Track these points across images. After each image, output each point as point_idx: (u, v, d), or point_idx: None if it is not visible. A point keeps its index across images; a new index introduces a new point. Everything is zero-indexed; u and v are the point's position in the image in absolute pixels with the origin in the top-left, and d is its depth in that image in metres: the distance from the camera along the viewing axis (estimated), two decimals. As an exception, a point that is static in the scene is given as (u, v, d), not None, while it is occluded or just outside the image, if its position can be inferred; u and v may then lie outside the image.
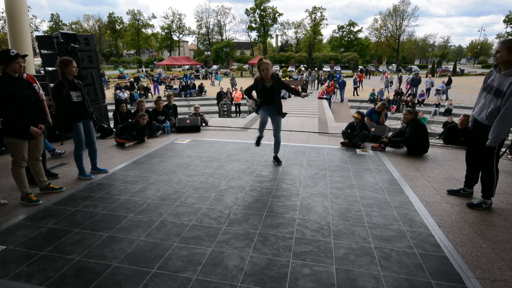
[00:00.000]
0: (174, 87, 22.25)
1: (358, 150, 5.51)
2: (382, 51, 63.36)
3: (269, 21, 64.52)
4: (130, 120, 6.64)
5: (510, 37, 2.98)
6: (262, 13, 63.60)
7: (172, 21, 63.73)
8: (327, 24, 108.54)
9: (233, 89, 18.29)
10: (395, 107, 16.19)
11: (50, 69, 6.11)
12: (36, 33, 47.34)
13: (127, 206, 3.24)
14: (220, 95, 15.85)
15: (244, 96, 16.41)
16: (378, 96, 17.13)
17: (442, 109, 15.22)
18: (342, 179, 4.05)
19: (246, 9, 66.89)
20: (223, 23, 66.97)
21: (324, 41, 68.39)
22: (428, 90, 18.64)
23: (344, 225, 2.86)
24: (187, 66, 45.33)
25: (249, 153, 5.25)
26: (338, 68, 42.32)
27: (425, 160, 5.03)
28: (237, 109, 16.39)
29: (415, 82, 19.18)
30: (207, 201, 3.36)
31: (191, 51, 72.03)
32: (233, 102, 16.18)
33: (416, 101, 16.59)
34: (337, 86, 18.71)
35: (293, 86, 4.66)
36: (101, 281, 2.10)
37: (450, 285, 2.10)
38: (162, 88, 22.70)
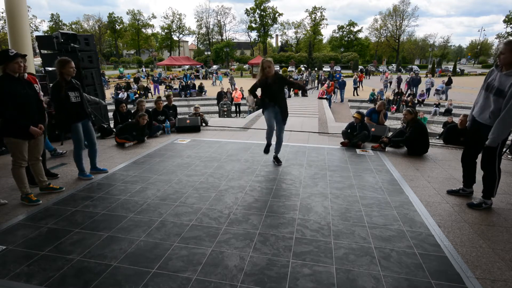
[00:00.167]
0: (174, 87, 22.26)
1: (358, 150, 5.51)
2: (382, 51, 63.35)
3: (269, 21, 64.53)
4: (130, 120, 6.64)
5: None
6: (262, 13, 63.60)
7: (172, 21, 63.76)
8: (327, 24, 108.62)
9: (233, 89, 18.28)
10: (395, 107, 16.19)
11: (50, 69, 6.12)
12: (36, 33, 47.35)
13: (127, 206, 3.24)
14: (220, 95, 15.86)
15: (245, 97, 16.49)
16: (378, 96, 17.12)
17: (442, 109, 15.21)
18: (342, 179, 4.05)
19: (246, 9, 67.00)
20: (223, 23, 67.03)
21: (324, 41, 68.42)
22: (428, 90, 18.64)
23: (344, 225, 2.86)
24: (187, 66, 45.35)
25: (249, 153, 5.25)
26: (338, 68, 42.32)
27: (425, 160, 5.03)
28: (237, 109, 16.39)
29: (415, 82, 19.19)
30: (207, 201, 3.36)
31: (191, 51, 72.04)
32: (233, 102, 16.19)
33: (416, 101, 16.58)
34: (337, 86, 18.71)
35: (295, 81, 4.66)
36: (101, 281, 2.10)
37: (450, 285, 2.10)
38: (162, 88, 22.70)
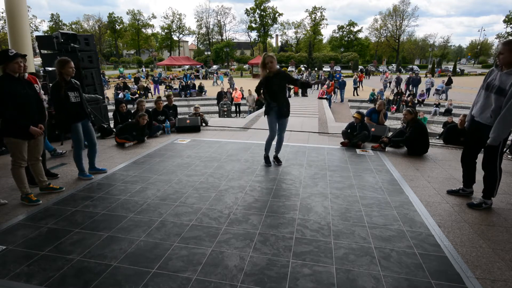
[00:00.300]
0: (174, 87, 22.26)
1: (358, 150, 5.51)
2: (382, 51, 63.35)
3: (269, 21, 64.51)
4: (130, 120, 6.64)
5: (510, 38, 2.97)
6: (262, 13, 63.58)
7: (172, 21, 63.75)
8: (327, 24, 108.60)
9: (233, 89, 18.29)
10: (395, 107, 16.20)
11: (50, 69, 6.11)
12: (36, 33, 47.35)
13: (127, 206, 3.24)
14: (220, 95, 15.86)
15: (245, 96, 16.49)
16: (378, 96, 17.13)
17: (442, 109, 15.22)
18: (342, 179, 4.05)
19: (246, 9, 66.92)
20: (223, 23, 67.02)
21: (324, 41, 68.41)
22: (428, 90, 18.65)
23: (344, 225, 2.86)
24: (187, 66, 45.35)
25: (249, 153, 5.25)
26: (338, 68, 42.32)
27: (425, 160, 5.03)
28: (237, 109, 16.40)
29: (415, 82, 19.20)
30: (207, 201, 3.36)
31: (191, 51, 72.04)
32: (233, 102, 16.20)
33: (416, 101, 16.59)
34: (337, 86, 18.71)
35: (298, 80, 4.63)
36: (101, 281, 2.10)
37: (450, 285, 2.10)
38: (162, 88, 22.70)
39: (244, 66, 50.12)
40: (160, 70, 40.54)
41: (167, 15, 72.71)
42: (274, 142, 4.60)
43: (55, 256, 2.38)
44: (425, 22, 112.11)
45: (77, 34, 6.29)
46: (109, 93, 18.72)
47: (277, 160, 4.68)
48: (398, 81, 20.80)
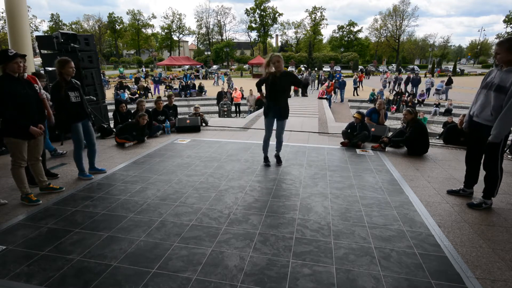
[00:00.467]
0: (174, 87, 22.25)
1: (358, 150, 5.51)
2: (382, 51, 63.36)
3: (269, 21, 64.54)
4: (130, 120, 6.64)
5: (505, 37, 3.03)
6: (262, 13, 63.62)
7: (172, 21, 63.76)
8: (327, 24, 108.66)
9: (233, 89, 18.29)
10: (395, 107, 16.20)
11: (50, 69, 6.11)
12: (36, 33, 47.37)
13: (127, 206, 3.24)
14: (220, 95, 15.86)
15: (245, 96, 16.48)
16: (378, 96, 17.13)
17: (442, 109, 15.22)
18: (342, 179, 4.05)
19: (246, 9, 66.97)
20: (223, 23, 67.06)
21: (324, 41, 68.44)
22: (428, 90, 18.65)
23: (344, 225, 2.86)
24: (187, 66, 45.34)
25: (249, 153, 5.25)
26: (338, 68, 42.34)
27: (425, 160, 5.03)
28: (237, 109, 16.40)
29: (415, 82, 19.20)
30: (207, 201, 3.36)
31: (191, 51, 72.04)
32: (233, 102, 16.19)
33: (416, 101, 16.59)
34: (337, 86, 18.71)
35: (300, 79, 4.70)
36: (101, 281, 2.10)
37: (450, 285, 2.10)
38: (162, 88, 22.70)
39: (244, 66, 50.10)
40: (160, 70, 40.52)
41: (167, 15, 72.86)
42: (273, 142, 4.61)
43: (55, 256, 2.38)
44: (425, 22, 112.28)
45: (77, 34, 6.28)
46: (109, 93, 18.70)
47: (278, 159, 4.67)
48: (396, 81, 20.82)
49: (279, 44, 70.11)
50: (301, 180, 4.02)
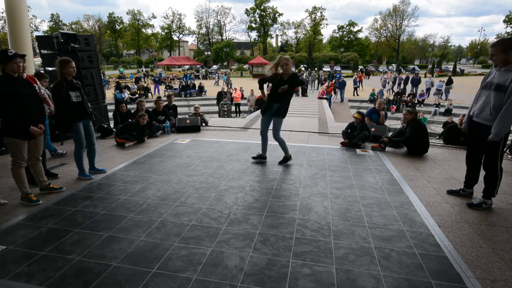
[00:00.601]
0: (174, 87, 22.25)
1: (358, 150, 5.51)
2: (382, 51, 63.35)
3: (269, 21, 64.52)
4: (130, 120, 6.64)
5: (498, 39, 3.07)
6: (262, 13, 63.60)
7: (172, 21, 63.74)
8: (327, 24, 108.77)
9: (233, 89, 18.30)
10: (395, 107, 16.20)
11: (50, 69, 6.11)
12: (36, 33, 47.34)
13: (127, 206, 3.24)
14: (220, 95, 15.86)
15: (245, 96, 16.47)
16: (378, 96, 17.13)
17: (442, 109, 15.22)
18: (342, 179, 4.05)
19: (246, 9, 66.96)
20: (223, 23, 67.04)
21: (324, 41, 68.42)
22: (428, 90, 18.65)
23: (344, 225, 2.86)
24: (187, 66, 45.34)
25: (249, 153, 5.25)
26: (338, 68, 42.34)
27: (425, 160, 5.03)
28: (237, 109, 16.40)
29: (415, 82, 19.20)
30: (207, 201, 3.36)
31: (191, 51, 72.02)
32: (233, 102, 16.19)
33: (416, 101, 16.59)
34: (337, 86, 18.71)
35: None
36: (101, 281, 2.10)
37: (450, 285, 2.10)
38: (162, 88, 22.70)
39: (244, 66, 50.10)
40: (160, 70, 40.52)
41: (167, 15, 72.84)
42: (271, 143, 4.62)
43: (55, 256, 2.38)
44: (425, 22, 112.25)
45: (77, 34, 6.29)
46: (109, 93, 18.70)
47: (285, 160, 4.67)
48: (395, 81, 20.83)
49: (279, 44, 70.12)
50: (301, 180, 4.02)
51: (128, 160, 4.86)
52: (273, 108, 4.36)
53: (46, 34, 33.04)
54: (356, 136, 5.74)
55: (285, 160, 4.67)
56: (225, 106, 15.09)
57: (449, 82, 18.53)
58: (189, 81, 22.94)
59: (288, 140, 6.08)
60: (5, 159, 4.61)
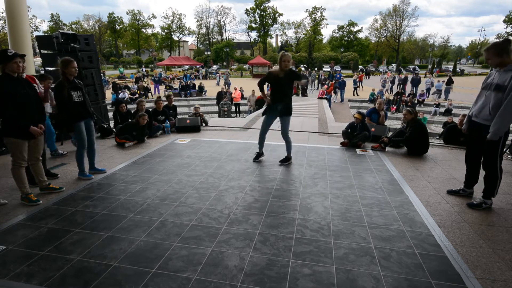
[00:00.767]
0: (174, 87, 22.26)
1: (358, 150, 5.51)
2: (382, 51, 63.35)
3: (269, 21, 64.51)
4: (130, 120, 6.64)
5: (491, 43, 3.12)
6: (262, 13, 63.59)
7: (172, 21, 63.73)
8: (327, 24, 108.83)
9: (233, 89, 18.30)
10: (395, 107, 16.20)
11: (50, 69, 6.11)
12: (36, 33, 47.35)
13: (127, 206, 3.24)
14: (220, 95, 15.87)
15: (245, 96, 16.46)
16: (378, 96, 17.14)
17: (442, 109, 15.23)
18: (342, 179, 4.05)
19: (246, 9, 66.96)
20: (223, 23, 67.04)
21: (324, 41, 68.43)
22: (428, 90, 18.65)
23: (344, 225, 2.86)
24: (187, 66, 45.34)
25: (249, 153, 5.25)
26: (338, 68, 42.33)
27: (425, 160, 5.03)
28: (237, 109, 16.39)
29: (415, 82, 19.20)
30: (207, 201, 3.36)
31: (191, 51, 72.02)
32: (233, 102, 16.19)
33: (416, 101, 16.59)
34: (337, 86, 18.71)
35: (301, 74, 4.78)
36: (101, 281, 2.10)
37: (450, 285, 2.10)
38: (162, 88, 22.69)
39: (244, 66, 50.09)
40: (160, 70, 40.52)
41: (167, 15, 72.88)
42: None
43: (55, 256, 2.37)
44: (425, 22, 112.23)
45: (77, 34, 6.29)
46: (109, 93, 18.70)
47: (285, 160, 4.68)
48: (394, 81, 20.82)
49: (279, 44, 70.08)
50: (301, 180, 4.02)
51: (128, 160, 4.86)
52: (275, 108, 4.38)
53: (46, 34, 33.05)
54: (356, 136, 5.74)
55: (286, 160, 4.67)
56: (225, 106, 15.09)
57: (449, 82, 18.52)
58: (189, 81, 22.95)
59: (288, 140, 6.08)
60: (5, 159, 4.61)
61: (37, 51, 8.84)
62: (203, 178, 4.05)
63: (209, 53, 63.75)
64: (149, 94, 20.07)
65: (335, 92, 18.55)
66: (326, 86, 17.57)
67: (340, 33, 64.90)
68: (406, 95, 17.20)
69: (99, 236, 2.66)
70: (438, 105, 15.45)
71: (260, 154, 4.82)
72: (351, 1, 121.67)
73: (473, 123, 3.22)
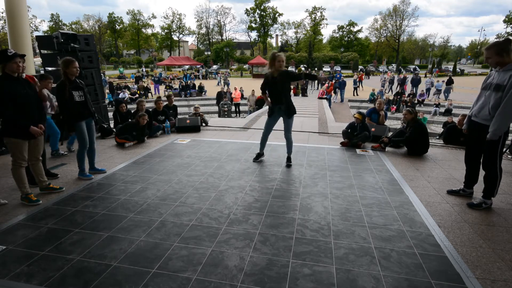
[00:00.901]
0: (174, 87, 22.26)
1: (358, 150, 5.51)
2: (382, 51, 63.37)
3: (269, 21, 64.55)
4: (130, 120, 6.64)
5: (492, 43, 3.13)
6: (262, 13, 63.63)
7: (172, 21, 63.77)
8: (327, 24, 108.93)
9: (232, 89, 18.30)
10: (395, 107, 16.20)
11: (50, 69, 6.11)
12: (36, 33, 47.36)
13: (127, 206, 3.24)
14: (220, 95, 15.86)
15: (245, 96, 16.46)
16: (378, 96, 17.13)
17: (442, 109, 15.23)
18: (342, 179, 4.05)
19: (246, 9, 67.03)
20: (223, 23, 67.07)
21: (324, 41, 68.43)
22: (428, 90, 18.64)
23: (344, 225, 2.86)
24: (187, 66, 45.35)
25: (249, 153, 5.25)
26: (338, 68, 42.32)
27: (425, 160, 5.03)
28: (237, 109, 16.39)
29: (415, 82, 19.20)
30: (207, 201, 3.36)
31: (191, 51, 72.04)
32: (233, 102, 16.19)
33: (416, 101, 16.59)
34: (337, 86, 18.71)
35: (307, 72, 4.75)
36: (101, 281, 2.10)
37: (450, 285, 2.10)
38: (162, 88, 22.70)
39: (244, 66, 50.09)
40: (160, 70, 40.52)
41: (167, 15, 72.93)
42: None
43: (55, 256, 2.37)
44: (425, 22, 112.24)
45: (77, 34, 6.29)
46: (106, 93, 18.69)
47: (288, 160, 4.68)
48: (393, 81, 20.82)
49: (279, 44, 70.09)
50: (301, 180, 4.02)
51: (128, 160, 4.86)
52: (277, 110, 4.39)
53: (46, 34, 33.04)
54: (356, 136, 5.74)
55: (290, 160, 4.69)
56: (225, 106, 15.09)
57: (450, 82, 18.52)
58: (189, 81, 22.96)
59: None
60: (5, 159, 4.62)
61: (37, 51, 8.83)
62: (203, 178, 4.05)
63: (209, 53, 63.75)
64: (149, 94, 20.07)
65: (335, 92, 18.55)
66: (326, 86, 17.57)
67: (340, 33, 64.93)
68: (406, 95, 17.20)
69: (99, 236, 2.66)
70: (438, 105, 15.45)
71: (260, 154, 4.82)
72: (351, 1, 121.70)
73: (473, 123, 3.23)
